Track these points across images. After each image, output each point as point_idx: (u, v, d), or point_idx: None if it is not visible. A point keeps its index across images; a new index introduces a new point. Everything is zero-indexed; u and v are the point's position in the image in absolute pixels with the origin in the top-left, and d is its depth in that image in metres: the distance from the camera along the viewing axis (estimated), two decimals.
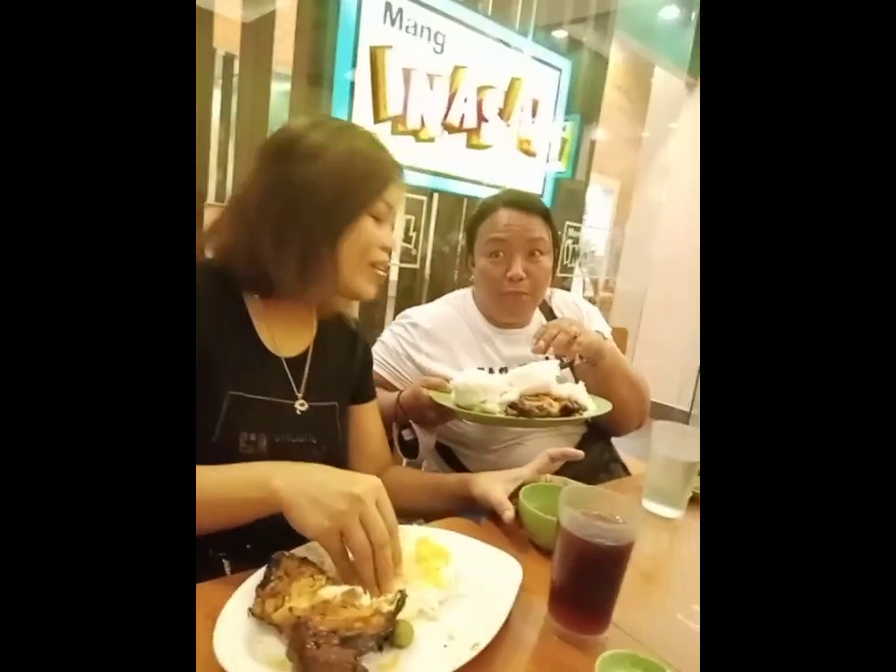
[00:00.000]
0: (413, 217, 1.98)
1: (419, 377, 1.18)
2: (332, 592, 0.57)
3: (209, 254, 0.87)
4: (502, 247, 1.19)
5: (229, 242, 0.83)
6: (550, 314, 1.33)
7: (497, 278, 1.20)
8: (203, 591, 0.62)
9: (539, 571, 0.73)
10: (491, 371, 1.22)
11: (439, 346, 1.22)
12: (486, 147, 2.17)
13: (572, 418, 1.00)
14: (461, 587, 0.65)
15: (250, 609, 0.56)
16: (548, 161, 2.48)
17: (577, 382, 1.15)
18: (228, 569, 0.79)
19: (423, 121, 1.95)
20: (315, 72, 1.74)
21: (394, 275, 2.11)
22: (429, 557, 0.66)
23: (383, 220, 0.85)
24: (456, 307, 1.31)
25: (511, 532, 0.82)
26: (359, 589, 0.58)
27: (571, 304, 1.37)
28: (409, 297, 2.14)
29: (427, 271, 2.19)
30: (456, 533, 0.75)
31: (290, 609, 0.54)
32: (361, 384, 1.01)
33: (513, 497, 0.84)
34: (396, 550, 0.63)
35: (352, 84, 1.78)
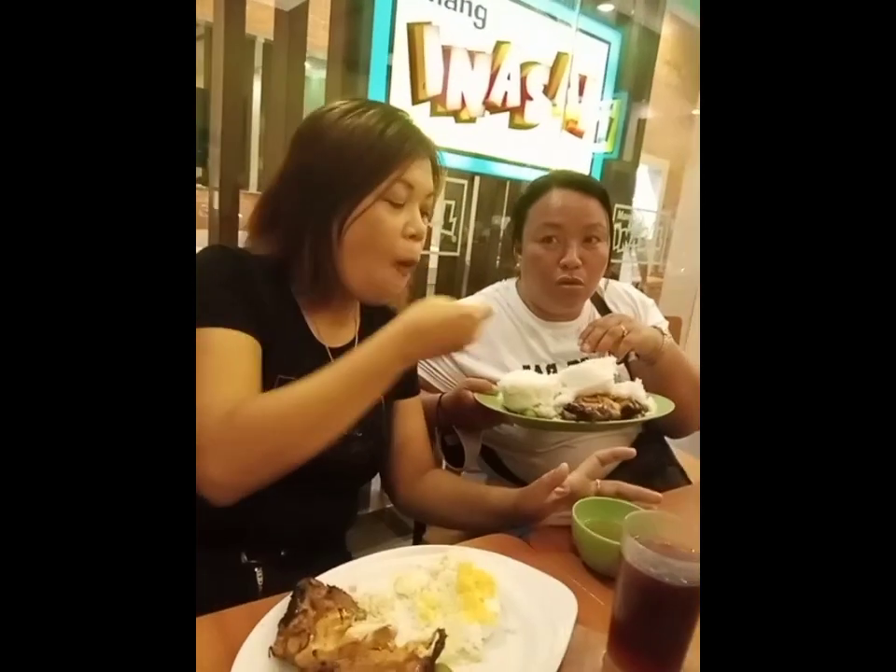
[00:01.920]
0: (452, 203, 1.88)
1: (460, 377, 1.10)
2: (362, 631, 0.50)
3: (248, 244, 0.84)
4: (556, 232, 1.09)
5: (262, 234, 0.82)
6: (602, 306, 1.23)
7: (549, 265, 1.10)
8: (224, 619, 0.57)
9: (597, 602, 0.65)
10: (538, 369, 1.13)
11: (481, 344, 1.13)
12: (531, 126, 2.06)
13: (634, 420, 0.91)
14: (509, 621, 0.58)
15: (272, 649, 0.50)
16: (595, 141, 2.35)
17: (633, 380, 1.05)
18: (260, 580, 0.74)
19: (463, 101, 1.85)
20: (352, 56, 1.67)
21: (433, 263, 2.03)
22: (472, 587, 0.58)
23: (402, 204, 0.78)
24: (497, 301, 1.21)
25: (563, 553, 0.74)
26: (393, 628, 0.51)
27: (625, 296, 1.27)
28: (449, 286, 2.06)
29: (468, 258, 2.10)
30: (502, 556, 0.67)
31: (314, 653, 0.48)
32: (405, 378, 0.93)
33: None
34: None
35: (389, 66, 1.70)
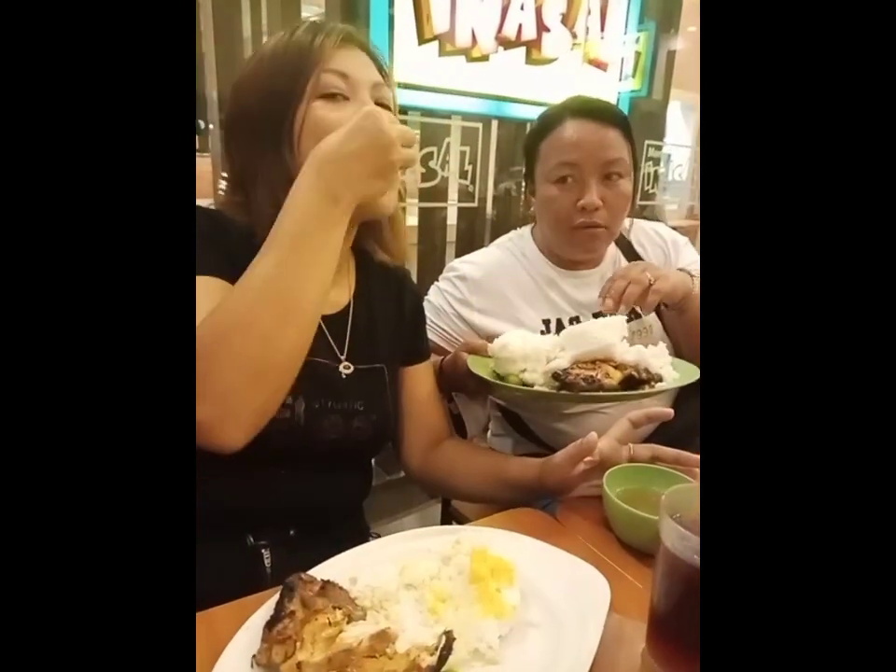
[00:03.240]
0: (468, 149, 1.75)
1: (472, 338, 1.01)
2: (357, 635, 0.44)
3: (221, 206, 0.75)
4: (572, 171, 0.96)
5: (229, 201, 0.74)
6: (629, 249, 1.11)
7: (565, 209, 0.97)
8: (212, 618, 0.51)
9: (633, 584, 0.57)
10: (560, 323, 1.03)
11: (492, 299, 1.03)
12: (549, 61, 1.90)
13: (635, 392, 0.76)
14: (530, 613, 0.51)
15: (254, 658, 0.44)
16: (621, 78, 2.16)
17: (667, 334, 0.95)
18: (267, 562, 0.69)
19: (474, 37, 1.71)
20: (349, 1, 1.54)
21: (452, 219, 1.92)
22: (487, 576, 0.51)
23: (343, 98, 0.69)
24: (511, 251, 1.10)
25: (594, 527, 0.66)
26: (392, 631, 0.44)
27: (654, 236, 1.13)
28: (469, 240, 1.95)
29: (490, 210, 1.99)
30: (523, 536, 0.59)
31: (299, 665, 0.41)
32: (413, 341, 0.87)
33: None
34: None
35: (391, 2, 1.56)
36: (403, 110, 1.64)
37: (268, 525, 0.70)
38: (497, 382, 0.80)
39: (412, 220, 1.81)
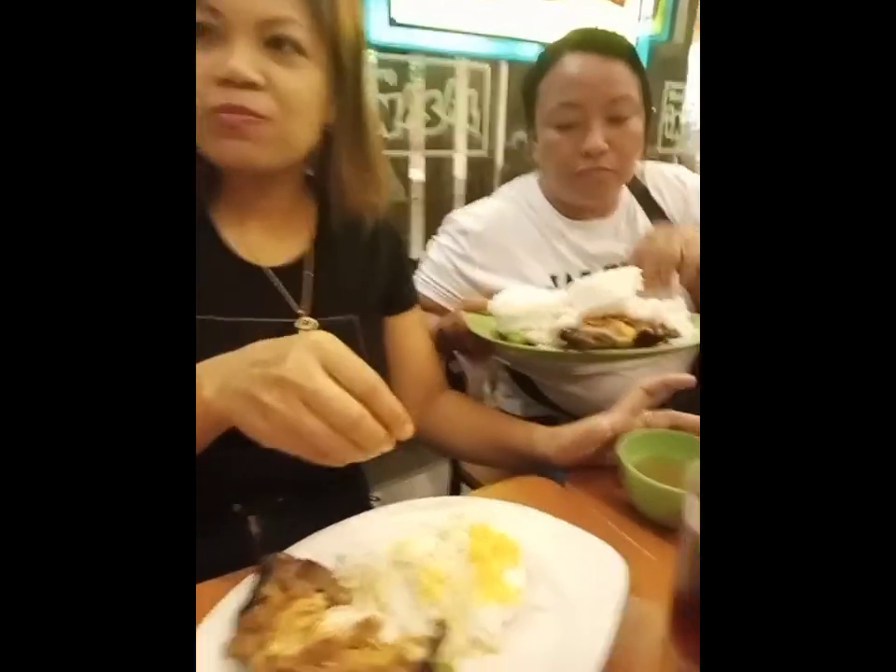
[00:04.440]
0: (474, 93, 1.64)
1: (473, 295, 0.94)
2: (339, 623, 0.38)
3: None
4: (574, 113, 0.86)
5: None
6: (645, 195, 1.01)
7: (568, 154, 0.88)
8: None
9: (653, 561, 0.51)
10: (569, 277, 0.95)
11: (495, 253, 0.95)
12: None
13: (651, 350, 0.69)
14: (538, 595, 0.45)
15: (226, 647, 0.39)
16: (640, 19, 2.02)
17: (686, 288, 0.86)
18: (255, 531, 0.64)
19: None
20: None
21: (460, 170, 1.82)
22: (489, 556, 0.45)
23: (212, 39, 0.56)
24: (515, 200, 1.01)
25: (610, 498, 0.60)
26: (378, 618, 0.39)
27: (673, 180, 1.03)
28: (479, 193, 1.85)
29: (500, 163, 1.88)
30: (530, 509, 0.54)
31: (270, 658, 0.36)
32: (393, 289, 0.78)
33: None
34: (384, 408, 0.43)
35: None
36: (404, 51, 1.54)
37: (254, 492, 0.65)
38: (499, 341, 0.73)
39: (417, 174, 1.72)
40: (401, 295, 0.80)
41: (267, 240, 0.68)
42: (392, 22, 1.50)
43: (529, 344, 0.73)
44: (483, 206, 1.02)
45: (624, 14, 1.96)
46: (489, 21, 1.66)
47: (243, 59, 0.55)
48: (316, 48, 0.59)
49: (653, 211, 1.00)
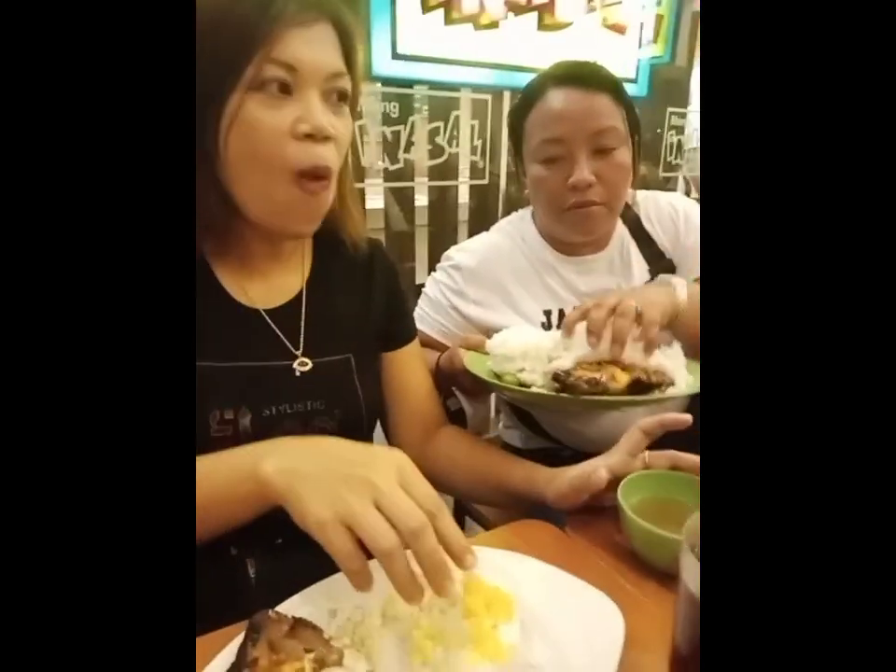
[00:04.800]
0: (476, 123, 1.66)
1: (469, 331, 0.93)
2: None
3: None
4: (559, 149, 0.86)
5: None
6: (637, 225, 1.00)
7: (556, 189, 0.88)
8: None
9: (653, 611, 0.50)
10: (562, 313, 0.94)
11: (489, 289, 0.95)
12: (563, 26, 1.78)
13: (643, 398, 0.68)
14: (533, 652, 0.44)
15: None
16: (641, 44, 2.03)
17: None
18: (252, 572, 0.64)
19: (482, 3, 1.60)
20: None
21: (463, 197, 1.84)
22: (483, 611, 0.45)
23: (286, 94, 0.57)
24: (510, 235, 1.01)
25: (610, 542, 0.59)
26: None
27: (664, 207, 1.01)
28: (483, 220, 1.86)
29: (504, 188, 1.90)
30: (526, 557, 0.53)
31: None
32: (390, 324, 0.78)
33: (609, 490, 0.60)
34: (446, 530, 0.43)
35: None
36: (408, 84, 1.56)
37: (252, 534, 0.65)
38: (494, 382, 0.73)
39: (421, 199, 1.74)
40: (398, 330, 0.80)
41: (264, 282, 0.68)
42: (395, 55, 1.53)
43: (524, 385, 0.72)
44: (477, 241, 1.02)
45: (625, 41, 1.98)
46: (491, 51, 1.68)
47: (322, 113, 0.58)
48: (350, 96, 0.62)
49: (645, 242, 0.99)
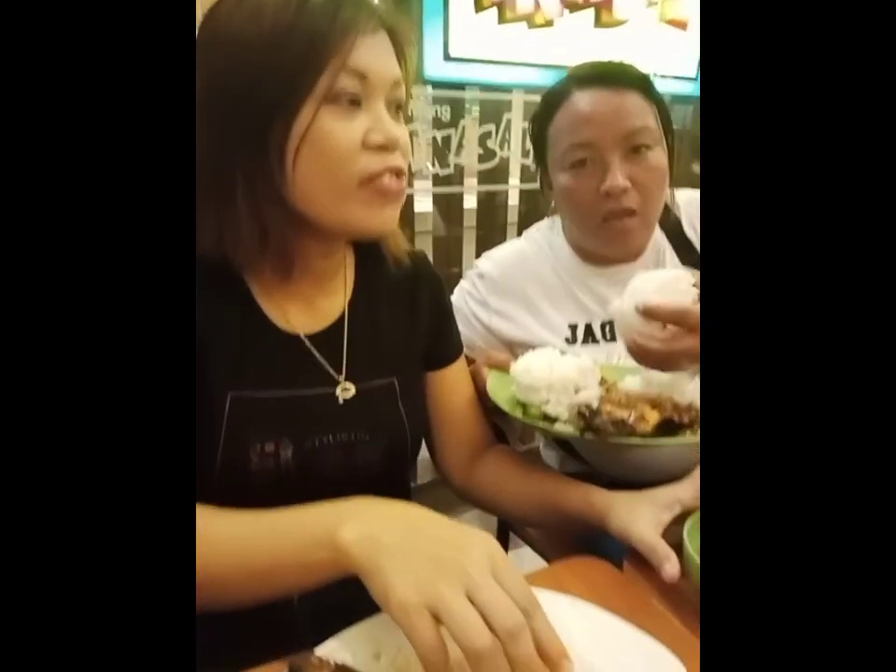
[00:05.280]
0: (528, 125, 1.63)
1: (499, 347, 0.89)
2: None
3: None
4: (588, 152, 0.80)
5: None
6: (676, 230, 0.93)
7: (587, 198, 0.81)
8: None
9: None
10: (588, 329, 0.89)
11: (512, 300, 0.91)
12: (621, 23, 1.72)
13: (671, 441, 0.63)
14: None
15: None
16: None
17: None
18: (297, 603, 0.60)
19: (537, 1, 1.56)
20: None
21: (513, 199, 1.80)
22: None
23: (356, 104, 0.55)
24: (537, 243, 0.95)
25: (673, 587, 0.55)
26: None
27: None
28: (532, 225, 1.82)
29: None
30: (579, 602, 0.49)
31: None
32: (436, 341, 0.75)
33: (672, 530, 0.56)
34: (542, 632, 0.38)
35: None
36: (460, 86, 1.53)
37: None
38: (516, 416, 0.69)
39: (470, 201, 1.71)
40: (444, 349, 0.77)
41: (305, 306, 0.66)
42: (447, 57, 1.50)
43: (548, 418, 0.68)
44: (503, 249, 0.98)
45: (686, 37, 1.90)
46: (545, 50, 1.63)
47: (393, 123, 0.57)
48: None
49: (685, 249, 0.92)
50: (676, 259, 0.92)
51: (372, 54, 0.55)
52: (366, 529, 0.43)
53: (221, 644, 0.55)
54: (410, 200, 1.53)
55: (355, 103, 0.55)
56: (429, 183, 1.56)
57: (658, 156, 0.82)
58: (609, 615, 0.48)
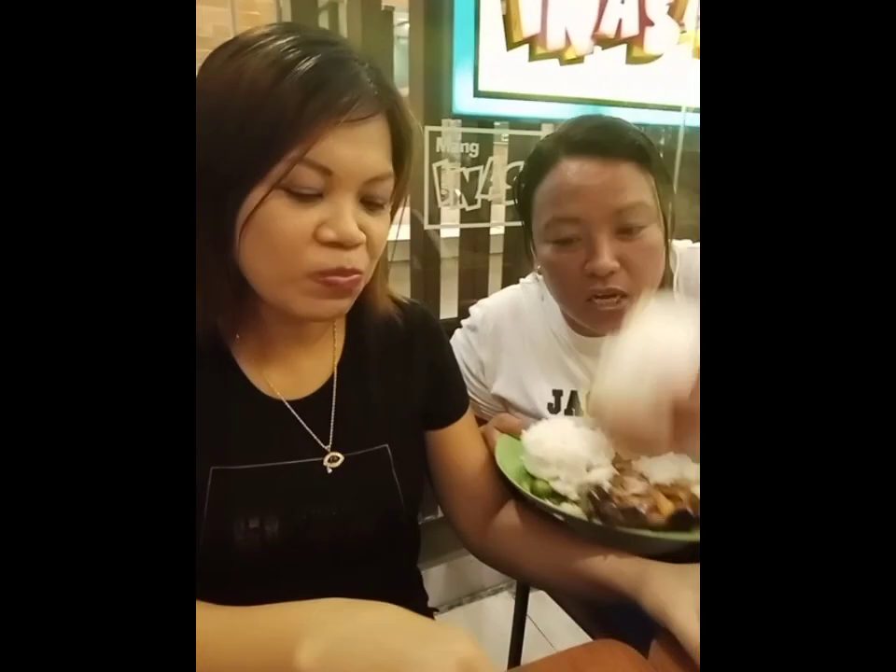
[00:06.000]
0: None
1: (493, 402, 0.87)
2: None
3: None
4: (575, 229, 0.73)
5: None
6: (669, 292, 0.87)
7: (572, 276, 0.75)
8: None
9: None
10: (574, 398, 0.85)
11: (498, 354, 0.87)
12: (653, 58, 1.70)
13: (684, 538, 0.58)
14: None
15: None
16: None
17: None
18: None
19: (568, 37, 1.55)
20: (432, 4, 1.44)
21: None
22: None
23: (314, 196, 0.51)
24: (533, 295, 0.90)
25: None
26: None
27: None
28: None
29: None
30: None
31: None
32: (437, 399, 0.72)
33: None
34: None
35: (477, 4, 1.45)
36: (489, 122, 1.53)
37: None
38: (524, 491, 0.66)
39: (496, 239, 1.69)
40: (446, 406, 0.74)
41: (288, 370, 0.63)
42: (477, 93, 1.50)
43: (556, 494, 0.66)
44: (496, 297, 0.94)
45: None
46: (576, 86, 1.63)
47: (352, 220, 0.52)
48: (393, 193, 0.58)
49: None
50: None
51: (349, 145, 0.50)
52: (324, 652, 0.40)
53: None
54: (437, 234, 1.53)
55: (315, 195, 0.51)
56: (456, 213, 1.55)
57: (653, 234, 0.75)
58: None
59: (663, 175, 0.78)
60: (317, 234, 0.51)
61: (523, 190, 0.82)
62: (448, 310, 1.56)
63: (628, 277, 0.74)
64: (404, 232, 0.88)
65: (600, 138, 0.74)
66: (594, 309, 0.76)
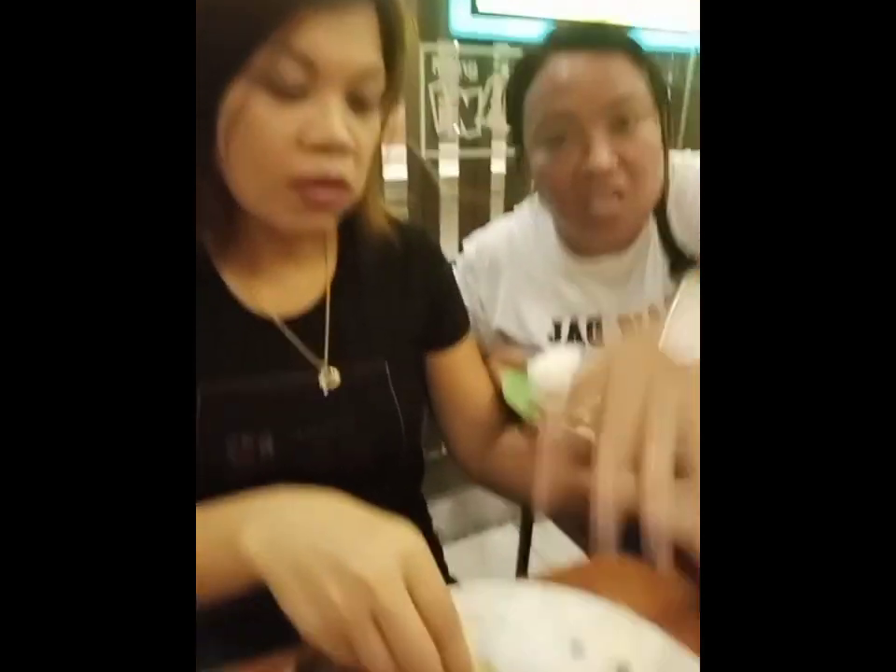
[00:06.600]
0: None
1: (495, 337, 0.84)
2: None
3: None
4: (567, 124, 0.69)
5: None
6: (661, 216, 0.80)
7: (566, 179, 0.71)
8: None
9: None
10: (574, 328, 0.82)
11: (496, 288, 0.84)
12: None
13: None
14: None
15: None
16: None
17: None
18: None
19: None
20: None
21: None
22: None
23: (297, 95, 0.47)
24: (526, 225, 0.86)
25: None
26: None
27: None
28: None
29: None
30: (643, 625, 0.46)
31: None
32: (436, 320, 0.70)
33: None
34: (456, 661, 0.35)
35: None
36: (488, 42, 1.45)
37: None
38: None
39: (498, 166, 1.64)
40: (446, 327, 0.71)
41: (278, 287, 0.61)
42: (475, 12, 1.42)
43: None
44: (490, 234, 0.91)
45: None
46: (581, 4, 1.53)
47: (339, 120, 0.48)
48: (383, 96, 0.54)
49: (670, 246, 0.79)
50: (661, 253, 0.81)
51: (332, 35, 0.46)
52: (268, 534, 0.39)
53: (217, 636, 0.54)
54: (435, 164, 1.47)
55: (299, 92, 0.47)
56: (455, 146, 1.49)
57: (649, 129, 0.71)
58: (645, 625, 0.46)
59: (655, 69, 0.74)
60: (301, 137, 0.48)
61: (512, 99, 0.78)
62: (448, 250, 1.53)
63: (626, 176, 0.70)
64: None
65: (590, 31, 0.72)
66: (592, 213, 0.72)
